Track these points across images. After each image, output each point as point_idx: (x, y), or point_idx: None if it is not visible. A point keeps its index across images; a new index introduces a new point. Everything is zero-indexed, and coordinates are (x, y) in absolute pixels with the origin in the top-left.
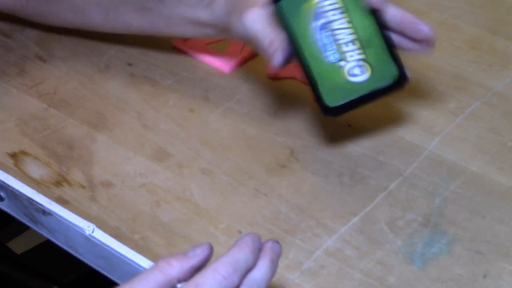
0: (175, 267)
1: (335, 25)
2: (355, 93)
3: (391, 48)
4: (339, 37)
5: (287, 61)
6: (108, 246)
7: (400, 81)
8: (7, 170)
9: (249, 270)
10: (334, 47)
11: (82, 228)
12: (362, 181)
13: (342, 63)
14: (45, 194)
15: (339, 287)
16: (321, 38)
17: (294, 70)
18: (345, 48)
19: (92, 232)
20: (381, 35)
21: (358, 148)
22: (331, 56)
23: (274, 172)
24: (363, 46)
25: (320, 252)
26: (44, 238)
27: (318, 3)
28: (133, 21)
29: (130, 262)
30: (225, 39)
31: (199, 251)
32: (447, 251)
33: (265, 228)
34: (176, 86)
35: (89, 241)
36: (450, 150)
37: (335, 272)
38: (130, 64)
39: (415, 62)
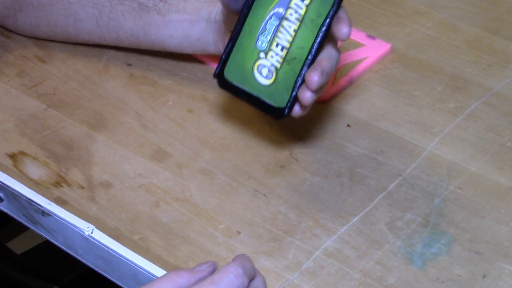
0: (185, 277)
1: (285, 24)
2: (246, 85)
3: (301, 80)
4: (279, 34)
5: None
6: (107, 246)
7: (279, 112)
8: (6, 170)
9: (251, 278)
10: (269, 38)
11: (81, 229)
12: (361, 181)
13: (261, 54)
14: (44, 194)
15: (339, 287)
16: (268, 21)
17: None
18: (274, 47)
19: (91, 232)
20: (304, 64)
21: (357, 149)
22: (261, 42)
23: (274, 173)
24: (286, 59)
25: (319, 252)
26: (44, 238)
27: None
28: (125, 23)
29: (130, 263)
30: (198, 49)
31: (205, 267)
32: (447, 251)
33: (264, 228)
34: (175, 86)
35: (88, 241)
36: (450, 150)
37: (335, 272)
38: (129, 65)
39: (414, 62)
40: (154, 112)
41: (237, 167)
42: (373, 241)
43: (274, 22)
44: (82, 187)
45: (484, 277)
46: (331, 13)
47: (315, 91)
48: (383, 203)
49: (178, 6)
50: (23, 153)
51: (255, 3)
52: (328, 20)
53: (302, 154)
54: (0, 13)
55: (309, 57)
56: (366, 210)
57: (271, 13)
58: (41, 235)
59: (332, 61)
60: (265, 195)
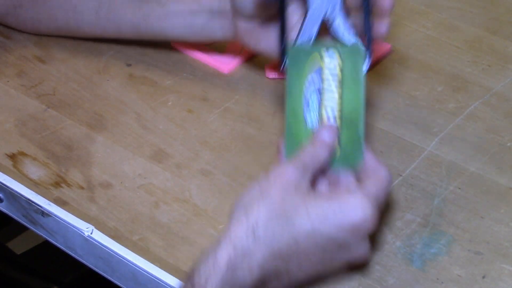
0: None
1: (327, 95)
2: None
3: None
4: (325, 107)
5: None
6: (107, 247)
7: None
8: (5, 171)
9: None
10: (317, 114)
11: (81, 229)
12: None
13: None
14: (44, 195)
15: (338, 287)
16: (310, 98)
17: None
18: (326, 120)
19: (91, 233)
20: (361, 120)
21: None
22: (309, 120)
23: None
24: (343, 126)
25: None
26: (44, 238)
27: (321, 63)
28: (125, 15)
29: (129, 263)
30: (204, 38)
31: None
32: (446, 251)
33: None
34: (175, 86)
35: (88, 242)
36: (449, 150)
37: None
38: (129, 65)
39: (414, 62)
40: (154, 113)
41: (237, 167)
42: (372, 241)
43: (314, 97)
44: (82, 188)
45: (483, 277)
46: (365, 69)
47: None
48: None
49: None
50: (22, 154)
51: (288, 85)
52: (365, 71)
53: None
54: (0, 10)
55: (362, 111)
56: None
57: (307, 90)
58: (41, 236)
59: None
60: None
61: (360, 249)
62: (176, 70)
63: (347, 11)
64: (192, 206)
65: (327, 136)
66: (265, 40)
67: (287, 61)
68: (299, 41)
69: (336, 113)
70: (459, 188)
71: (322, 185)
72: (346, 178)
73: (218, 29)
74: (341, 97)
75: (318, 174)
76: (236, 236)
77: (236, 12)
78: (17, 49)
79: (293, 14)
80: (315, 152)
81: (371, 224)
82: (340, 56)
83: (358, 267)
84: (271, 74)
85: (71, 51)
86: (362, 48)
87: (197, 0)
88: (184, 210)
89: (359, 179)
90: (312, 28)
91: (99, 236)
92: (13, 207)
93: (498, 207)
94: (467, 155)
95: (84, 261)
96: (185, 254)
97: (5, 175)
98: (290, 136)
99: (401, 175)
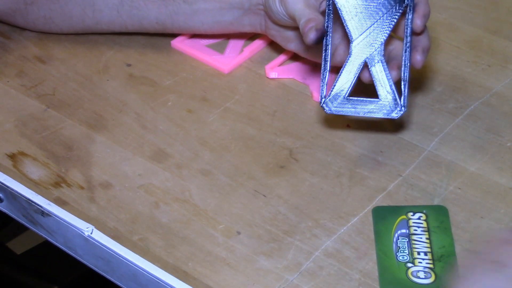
0: None
1: (414, 238)
2: None
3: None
4: (415, 247)
5: (319, 40)
6: (107, 247)
7: None
8: (5, 171)
9: None
10: (407, 252)
11: (81, 229)
12: (361, 181)
13: (409, 264)
14: (44, 195)
15: (338, 287)
16: (397, 242)
17: (293, 70)
18: (417, 256)
19: (91, 233)
20: (453, 253)
21: (357, 149)
22: (402, 257)
23: (273, 173)
24: (434, 259)
25: (319, 253)
26: (44, 238)
27: (406, 218)
28: (150, 12)
29: (129, 263)
30: (234, 30)
31: None
32: None
33: (264, 229)
34: (175, 86)
35: (88, 242)
36: (449, 150)
37: (334, 273)
38: (129, 65)
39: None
40: (154, 113)
41: (237, 167)
42: (372, 242)
43: (403, 240)
44: (82, 188)
45: None
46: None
47: None
48: (383, 203)
49: None
50: (22, 154)
51: (376, 229)
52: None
53: (302, 154)
54: (9, 8)
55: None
56: (365, 210)
57: (396, 235)
58: (41, 236)
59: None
60: (264, 196)
61: None
62: (176, 70)
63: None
64: (192, 206)
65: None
66: (297, 41)
67: (373, 219)
68: (337, 83)
69: (427, 249)
70: (459, 188)
71: None
72: None
73: (247, 25)
74: (428, 238)
75: None
76: None
77: (269, 17)
78: (17, 49)
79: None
80: None
81: None
82: (426, 215)
83: None
84: (271, 74)
85: (71, 51)
86: (445, 208)
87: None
88: (184, 210)
89: None
90: (352, 70)
91: (99, 236)
92: (13, 207)
93: (498, 207)
94: (467, 155)
95: (84, 261)
96: (185, 254)
97: (5, 175)
98: (384, 272)
99: (401, 175)
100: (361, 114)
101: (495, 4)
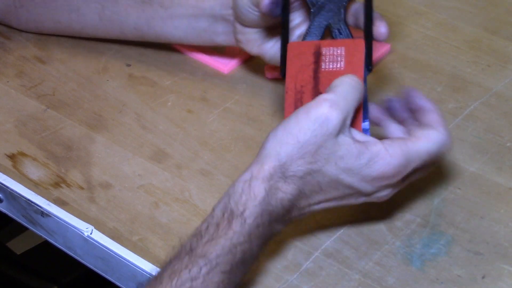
0: None
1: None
2: None
3: None
4: None
5: (273, 7)
6: (106, 247)
7: None
8: (5, 171)
9: None
10: None
11: (81, 229)
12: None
13: None
14: (43, 195)
15: (338, 287)
16: None
17: None
18: None
19: (91, 233)
20: None
21: None
22: None
23: None
24: None
25: (318, 253)
26: (44, 238)
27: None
28: (128, 17)
29: (129, 264)
30: (207, 41)
31: None
32: (446, 252)
33: None
34: (174, 87)
35: (88, 242)
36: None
37: (334, 273)
38: (128, 65)
39: (414, 62)
40: (154, 113)
41: (237, 167)
42: (372, 242)
43: None
44: (82, 188)
45: (483, 277)
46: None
47: None
48: (382, 203)
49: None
50: (22, 154)
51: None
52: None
53: None
54: (1, 10)
55: None
56: (365, 210)
57: None
58: (41, 236)
59: None
60: None
61: (382, 193)
62: (176, 70)
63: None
64: (192, 207)
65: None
66: (266, 46)
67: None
68: None
69: None
70: (459, 188)
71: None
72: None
73: (221, 33)
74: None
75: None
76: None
77: (238, 18)
78: (17, 50)
79: (296, 25)
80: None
81: (392, 177)
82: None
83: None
84: (271, 74)
85: (70, 51)
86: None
87: (199, 4)
88: (184, 210)
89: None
90: (314, 39)
91: (98, 236)
92: (13, 207)
93: (498, 207)
94: (466, 155)
95: (83, 261)
96: None
97: (5, 175)
98: None
99: None
100: None
101: (495, 4)
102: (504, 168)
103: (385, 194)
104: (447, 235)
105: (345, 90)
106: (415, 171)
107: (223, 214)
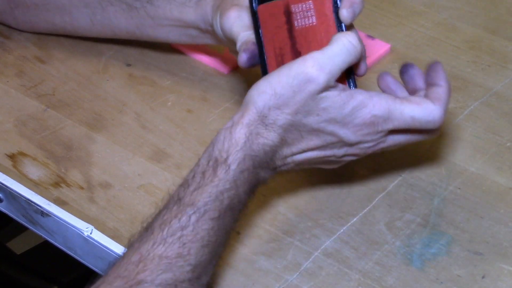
0: None
1: None
2: None
3: None
4: None
5: (251, 62)
6: (106, 247)
7: None
8: (5, 171)
9: None
10: None
11: (81, 229)
12: (360, 181)
13: None
14: (43, 195)
15: (338, 287)
16: None
17: None
18: None
19: (91, 233)
20: None
21: None
22: None
23: None
24: None
25: (318, 253)
26: (44, 238)
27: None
28: (119, 23)
29: None
30: (204, 44)
31: None
32: (446, 251)
33: (263, 228)
34: (174, 86)
35: (88, 242)
36: (449, 150)
37: (334, 273)
38: (128, 65)
39: (414, 62)
40: (154, 113)
41: None
42: (372, 242)
43: None
44: (82, 188)
45: (483, 277)
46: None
47: None
48: (382, 203)
49: (165, 9)
50: (22, 154)
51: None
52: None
53: None
54: None
55: None
56: (365, 210)
57: None
58: (41, 236)
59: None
60: (264, 195)
61: (366, 146)
62: (176, 70)
63: None
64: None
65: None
66: None
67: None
68: None
69: None
70: (459, 188)
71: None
72: None
73: (211, 40)
74: None
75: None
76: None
77: (219, 40)
78: (17, 49)
79: None
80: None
81: (375, 125)
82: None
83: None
84: None
85: (70, 51)
86: None
87: (183, 17)
88: None
89: None
90: None
91: (98, 236)
92: (13, 207)
93: (498, 207)
94: (466, 155)
95: (83, 261)
96: None
97: (5, 175)
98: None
99: (401, 175)
100: None
101: (495, 4)
102: (504, 168)
103: (367, 146)
104: (447, 235)
105: (335, 51)
106: (396, 132)
107: (208, 162)
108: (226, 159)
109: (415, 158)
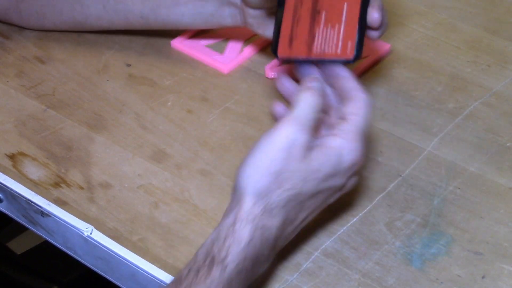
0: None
1: None
2: None
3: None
4: None
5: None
6: (106, 247)
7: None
8: (5, 171)
9: None
10: None
11: (81, 229)
12: (360, 181)
13: None
14: (43, 195)
15: (338, 287)
16: None
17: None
18: None
19: (91, 233)
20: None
21: None
22: None
23: None
24: None
25: (318, 253)
26: (44, 238)
27: None
28: (134, 5)
29: (129, 263)
30: (216, 25)
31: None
32: (446, 252)
33: None
34: (174, 86)
35: (88, 242)
36: (449, 150)
37: (334, 273)
38: (128, 65)
39: (414, 62)
40: (154, 113)
41: (236, 167)
42: (372, 242)
43: None
44: (81, 188)
45: (483, 277)
46: None
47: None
48: (382, 203)
49: None
50: (22, 154)
51: None
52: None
53: None
54: (2, 5)
55: None
56: (365, 210)
57: None
58: (41, 236)
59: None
60: None
61: (352, 181)
62: (176, 70)
63: None
64: (192, 206)
65: (313, 84)
66: (271, 27)
67: None
68: None
69: None
70: (459, 188)
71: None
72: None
73: (228, 16)
74: None
75: (321, 117)
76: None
77: (244, 1)
78: (17, 49)
79: None
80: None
81: (360, 160)
82: None
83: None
84: (271, 74)
85: (70, 51)
86: None
87: None
88: (183, 210)
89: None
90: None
91: (98, 236)
92: (13, 207)
93: (498, 207)
94: (466, 155)
95: (83, 261)
96: (185, 254)
97: (5, 175)
98: None
99: (401, 175)
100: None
101: (495, 4)
102: (504, 168)
103: (355, 178)
104: (447, 235)
105: (305, 106)
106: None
107: (205, 260)
108: (224, 258)
109: (415, 158)
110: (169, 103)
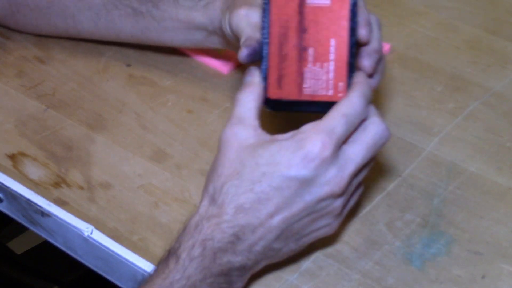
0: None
1: None
2: None
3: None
4: None
5: (251, 58)
6: (106, 247)
7: None
8: (5, 171)
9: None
10: None
11: (81, 230)
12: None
13: None
14: (43, 195)
15: (338, 287)
16: None
17: None
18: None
19: (91, 233)
20: None
21: None
22: None
23: None
24: None
25: (318, 253)
26: (44, 238)
27: None
28: (124, 27)
29: (129, 263)
30: (208, 47)
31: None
32: (446, 251)
33: None
34: (174, 87)
35: (88, 242)
36: (449, 150)
37: (334, 273)
38: (128, 65)
39: (414, 62)
40: (154, 113)
41: None
42: (372, 242)
43: None
44: (82, 188)
45: (483, 277)
46: None
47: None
48: (382, 203)
49: (171, 14)
50: (22, 154)
51: None
52: None
53: None
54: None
55: None
56: (365, 210)
57: None
58: (41, 236)
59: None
60: None
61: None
62: (176, 70)
63: None
64: (192, 206)
65: (248, 78)
66: None
67: None
68: None
69: None
70: (459, 188)
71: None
72: None
73: (217, 43)
74: None
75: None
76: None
77: (227, 40)
78: (17, 50)
79: None
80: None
81: (324, 150)
82: None
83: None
84: None
85: (70, 51)
86: None
87: (190, 19)
88: (183, 210)
89: None
90: None
91: (99, 236)
92: (13, 207)
93: (498, 207)
94: (466, 155)
95: (83, 261)
96: None
97: (5, 175)
98: None
99: (400, 175)
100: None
101: (495, 4)
102: (504, 168)
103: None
104: (447, 235)
105: (244, 104)
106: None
107: (164, 254)
108: (177, 249)
109: (415, 158)
110: (169, 103)
